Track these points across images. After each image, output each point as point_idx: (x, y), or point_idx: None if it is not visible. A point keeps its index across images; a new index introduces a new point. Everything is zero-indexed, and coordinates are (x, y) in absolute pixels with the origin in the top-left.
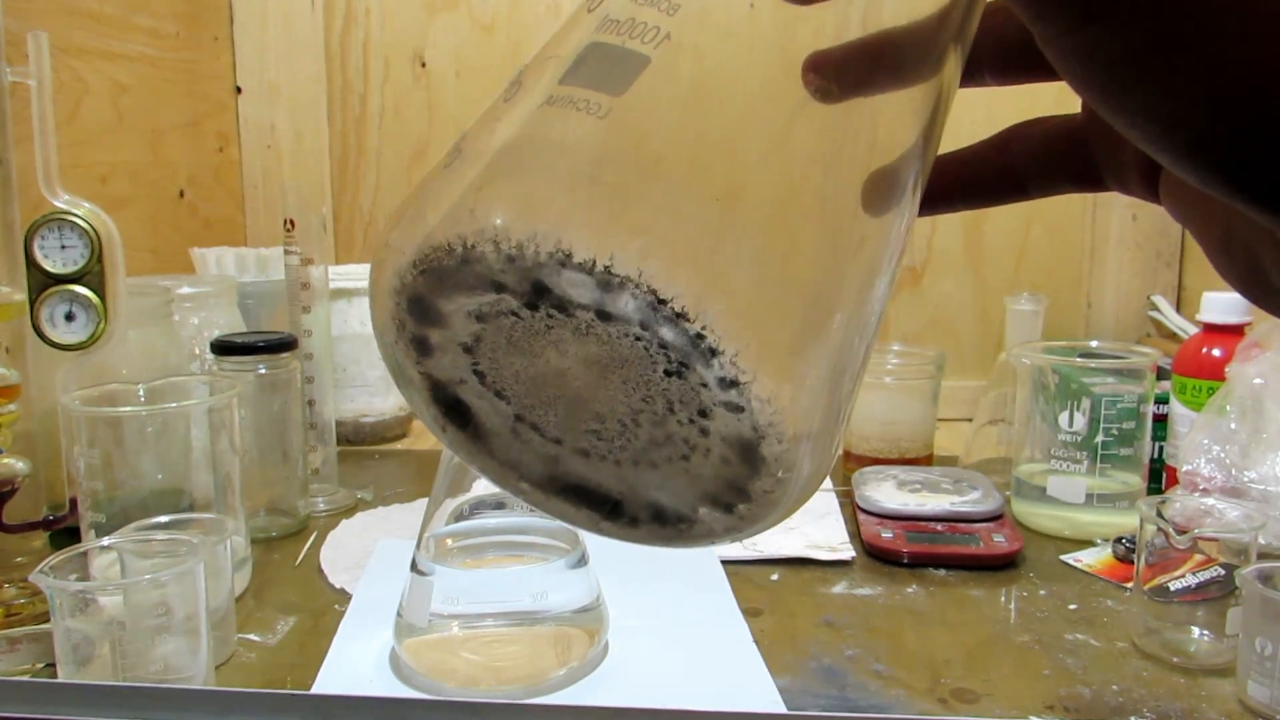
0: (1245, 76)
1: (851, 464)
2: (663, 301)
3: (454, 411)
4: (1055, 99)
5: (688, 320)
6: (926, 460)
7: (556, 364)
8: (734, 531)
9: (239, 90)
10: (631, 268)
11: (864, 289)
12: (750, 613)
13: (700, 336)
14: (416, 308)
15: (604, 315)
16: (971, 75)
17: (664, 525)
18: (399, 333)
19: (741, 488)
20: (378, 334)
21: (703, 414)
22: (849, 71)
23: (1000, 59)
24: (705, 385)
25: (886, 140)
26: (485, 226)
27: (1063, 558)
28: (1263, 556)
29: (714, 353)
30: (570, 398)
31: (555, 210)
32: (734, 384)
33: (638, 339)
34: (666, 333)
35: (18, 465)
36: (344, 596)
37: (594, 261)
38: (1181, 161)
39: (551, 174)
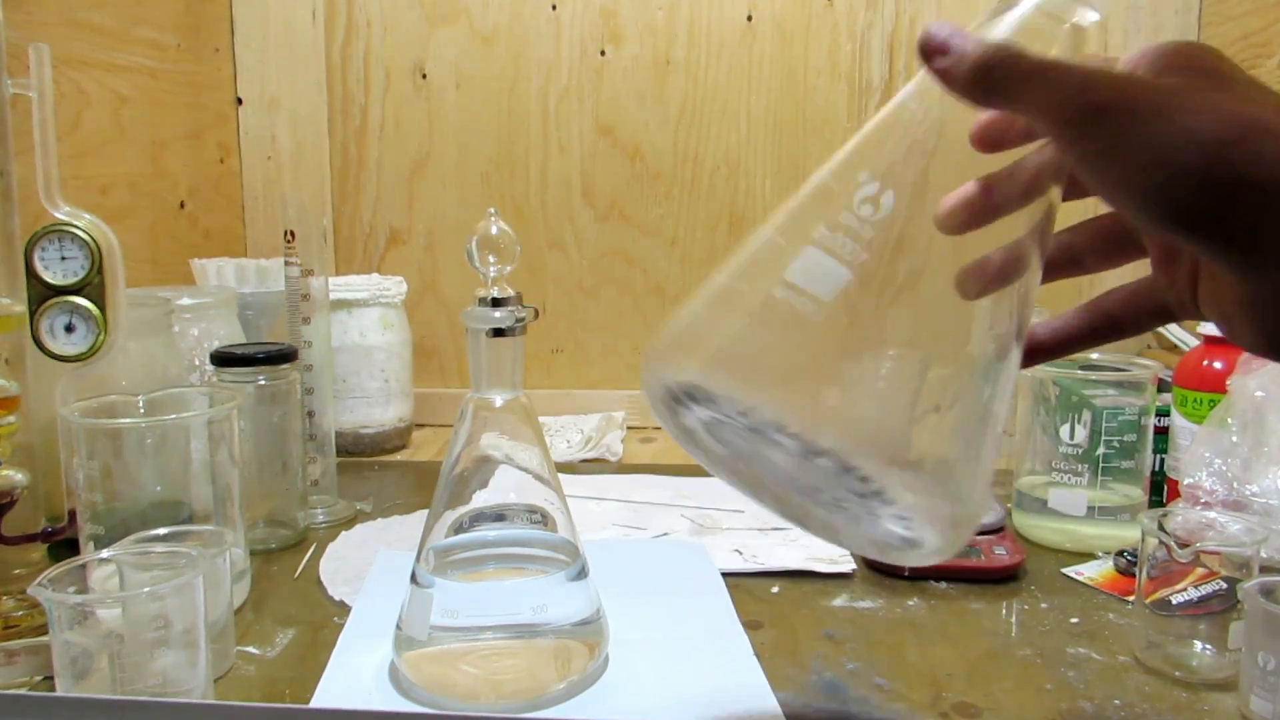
0: (1159, 163)
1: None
2: (850, 468)
3: (688, 435)
4: None
5: (869, 481)
6: None
7: (764, 450)
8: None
9: (240, 101)
10: (830, 443)
11: (1001, 420)
12: (751, 625)
13: (877, 491)
14: (678, 401)
15: (805, 458)
16: (1074, 265)
17: (831, 533)
18: (666, 411)
19: (900, 547)
20: (649, 403)
21: (875, 516)
22: (989, 274)
23: (1099, 248)
24: (880, 507)
25: (1026, 307)
26: (725, 387)
27: (1064, 571)
28: (1265, 570)
29: (887, 501)
30: (776, 466)
31: (777, 389)
32: (903, 518)
33: (833, 474)
34: (851, 481)
35: (16, 477)
36: (343, 609)
37: (801, 434)
38: (1142, 215)
39: (777, 355)
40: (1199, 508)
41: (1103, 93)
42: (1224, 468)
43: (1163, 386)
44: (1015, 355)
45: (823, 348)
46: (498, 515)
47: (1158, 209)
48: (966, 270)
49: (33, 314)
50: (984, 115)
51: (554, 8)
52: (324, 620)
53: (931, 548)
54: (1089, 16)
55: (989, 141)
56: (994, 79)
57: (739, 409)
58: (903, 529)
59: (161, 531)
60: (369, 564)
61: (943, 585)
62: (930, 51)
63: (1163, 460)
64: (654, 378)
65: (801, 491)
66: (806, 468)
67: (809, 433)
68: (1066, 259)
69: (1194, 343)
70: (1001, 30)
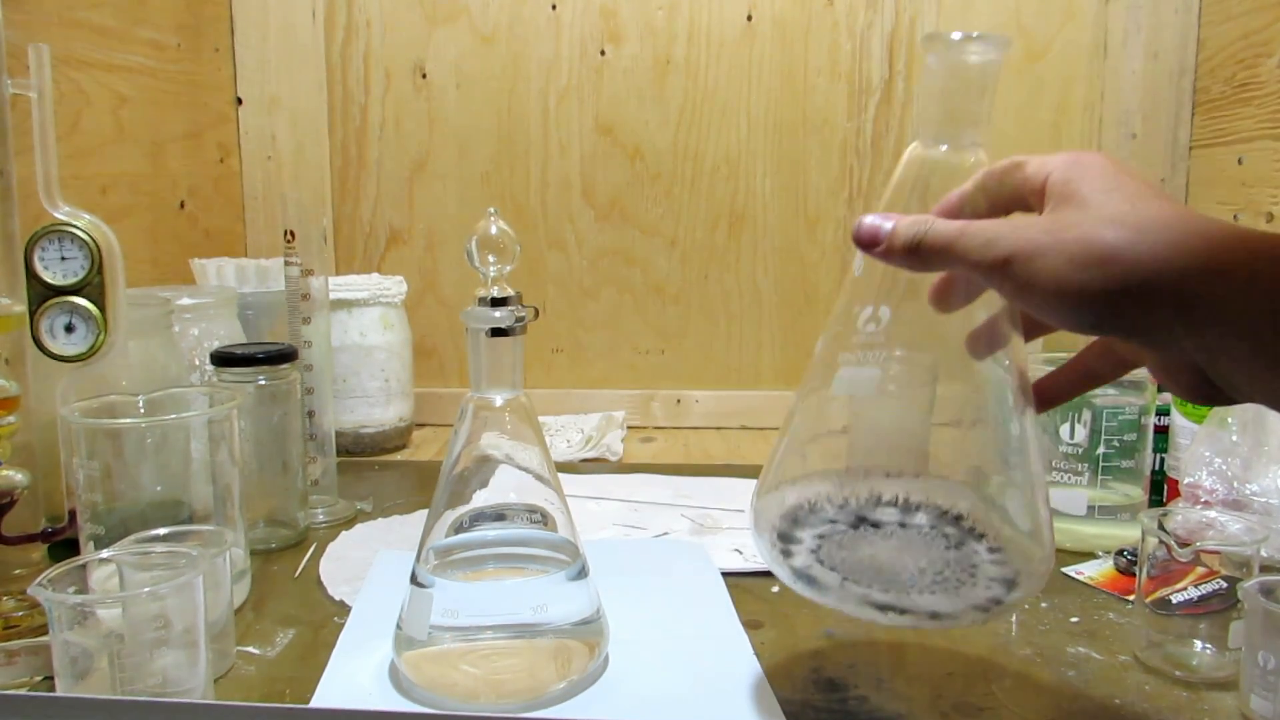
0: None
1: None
2: (945, 512)
3: (804, 578)
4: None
5: (962, 520)
6: None
7: (870, 551)
8: (990, 615)
9: (240, 101)
10: (921, 492)
11: (1039, 456)
12: (751, 625)
13: (970, 529)
14: (784, 539)
15: (905, 524)
16: (1091, 379)
17: (938, 619)
18: (773, 549)
19: (998, 598)
20: (759, 548)
21: (974, 566)
22: (985, 338)
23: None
24: (976, 552)
25: (1024, 366)
26: (823, 492)
27: (1064, 570)
28: (1265, 570)
29: (981, 536)
30: (877, 566)
31: (866, 472)
32: (996, 551)
33: (930, 530)
34: (947, 530)
35: (17, 477)
36: (343, 609)
37: (897, 495)
38: (1062, 325)
39: (865, 446)
40: (1199, 507)
41: (1002, 246)
42: (1224, 467)
43: (1163, 386)
44: (1029, 400)
45: (883, 422)
46: (498, 515)
47: (1071, 321)
48: (974, 335)
49: (33, 314)
50: (933, 279)
51: (554, 7)
52: (324, 620)
53: (1026, 578)
54: (979, 154)
55: (941, 297)
56: (921, 253)
57: (838, 503)
58: (999, 568)
59: (161, 531)
60: (369, 564)
61: None
62: (864, 244)
63: (1163, 459)
64: (763, 521)
65: (910, 582)
66: (908, 540)
67: (903, 488)
68: (1085, 379)
69: None
70: (918, 188)
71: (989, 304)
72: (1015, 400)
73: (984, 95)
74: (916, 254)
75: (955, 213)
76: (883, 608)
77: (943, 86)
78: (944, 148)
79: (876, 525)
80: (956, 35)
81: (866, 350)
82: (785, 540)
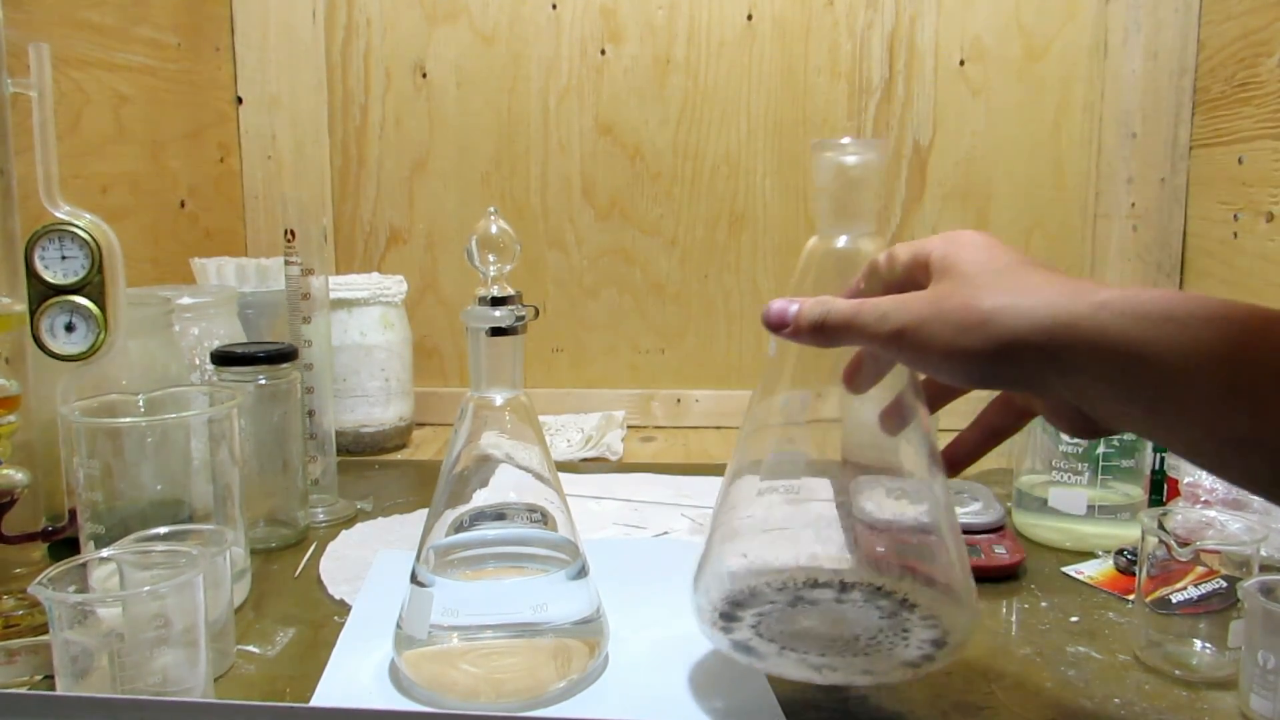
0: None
1: (849, 473)
2: (879, 588)
3: (742, 648)
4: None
5: (893, 594)
6: None
7: (807, 624)
8: (921, 669)
9: (240, 101)
10: (854, 577)
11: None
12: None
13: (904, 600)
14: (725, 617)
15: (839, 600)
16: (996, 436)
17: (871, 675)
18: (721, 633)
19: (930, 655)
20: (705, 633)
21: (905, 631)
22: (898, 414)
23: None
24: (908, 619)
25: (932, 436)
26: (763, 578)
27: (1064, 569)
28: (1264, 569)
29: (914, 606)
30: (814, 636)
31: (798, 557)
32: (929, 617)
33: (864, 604)
34: (880, 603)
35: (17, 476)
36: (343, 608)
37: (834, 579)
38: (955, 383)
39: (789, 537)
40: (1199, 506)
41: (894, 319)
42: None
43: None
44: (941, 468)
45: (807, 511)
46: (498, 514)
47: (961, 377)
48: (885, 413)
49: (33, 313)
50: (845, 363)
51: (554, 7)
52: (324, 619)
53: (955, 634)
54: (871, 242)
55: (852, 379)
56: (825, 331)
57: (776, 585)
58: (930, 630)
59: (162, 530)
60: (369, 563)
61: None
62: (774, 327)
63: (1163, 459)
64: (705, 600)
65: (845, 645)
66: (843, 613)
67: (836, 573)
68: (990, 434)
69: None
70: (821, 277)
71: (894, 384)
72: (929, 468)
73: (869, 191)
74: (821, 332)
75: (855, 296)
76: (818, 667)
77: (831, 186)
78: (842, 240)
79: (814, 603)
80: (841, 141)
81: (789, 439)
82: (727, 619)
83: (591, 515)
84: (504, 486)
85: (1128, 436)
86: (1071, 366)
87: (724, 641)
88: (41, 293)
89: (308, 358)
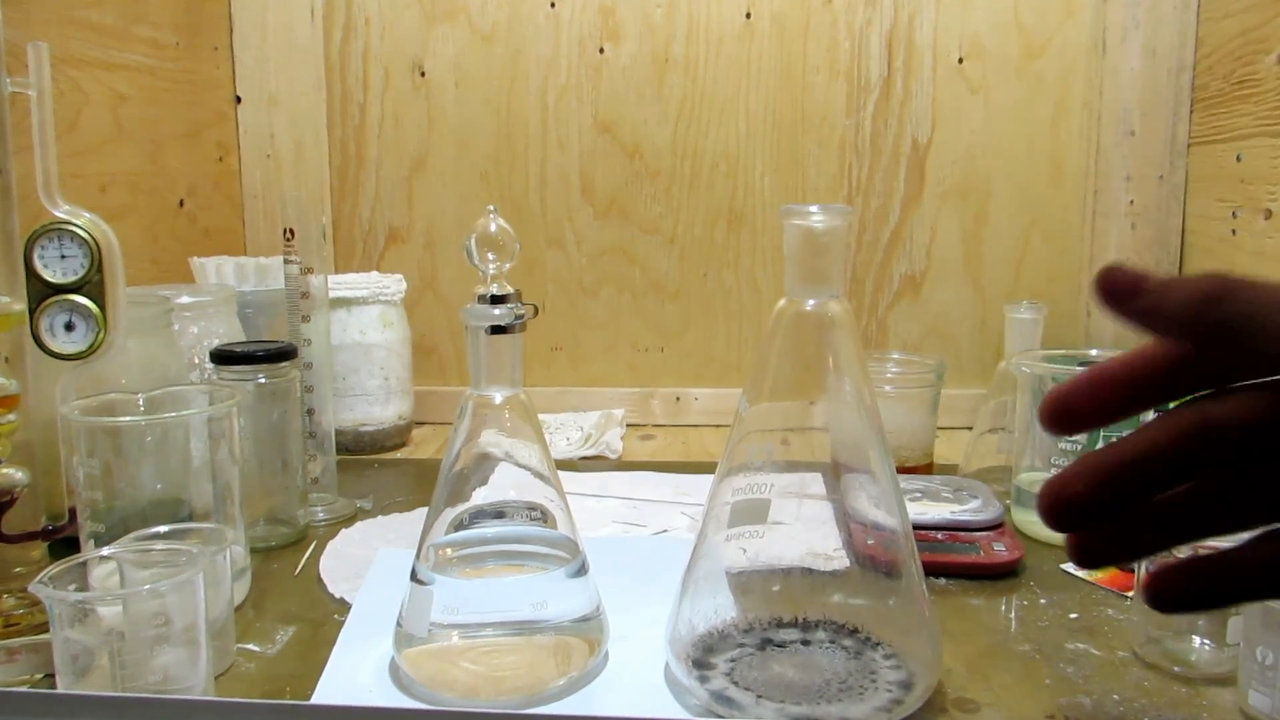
0: None
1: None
2: (841, 625)
3: (722, 699)
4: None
5: (858, 632)
6: (926, 469)
7: (779, 669)
8: (893, 714)
9: (239, 100)
10: (819, 616)
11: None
12: None
13: (866, 639)
14: (699, 665)
15: (805, 642)
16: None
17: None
18: (698, 683)
19: (899, 699)
20: (679, 674)
21: (873, 673)
22: None
23: None
24: (874, 659)
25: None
26: (729, 619)
27: (1063, 567)
28: None
29: (877, 645)
30: (787, 683)
31: (762, 600)
32: (893, 656)
33: (830, 645)
34: (846, 643)
35: (17, 475)
36: (343, 606)
37: (797, 618)
38: None
39: (761, 578)
40: None
41: None
42: None
43: None
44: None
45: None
46: (498, 512)
47: None
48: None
49: (32, 312)
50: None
51: (553, 5)
52: (324, 618)
53: (920, 679)
54: (835, 306)
55: (1064, 420)
56: (1217, 315)
57: (744, 627)
58: (895, 672)
59: (162, 529)
60: (369, 561)
61: (942, 581)
62: (1116, 293)
63: None
64: (680, 651)
65: (818, 693)
66: (811, 655)
67: (801, 611)
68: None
69: None
70: (789, 338)
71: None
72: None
73: (836, 255)
74: (1209, 313)
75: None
76: (795, 717)
77: (800, 251)
78: (810, 303)
79: (781, 645)
80: (807, 208)
81: (756, 474)
82: (700, 667)
83: (591, 513)
84: (503, 484)
85: (1126, 433)
86: None
87: (703, 693)
88: (41, 292)
89: (307, 356)
